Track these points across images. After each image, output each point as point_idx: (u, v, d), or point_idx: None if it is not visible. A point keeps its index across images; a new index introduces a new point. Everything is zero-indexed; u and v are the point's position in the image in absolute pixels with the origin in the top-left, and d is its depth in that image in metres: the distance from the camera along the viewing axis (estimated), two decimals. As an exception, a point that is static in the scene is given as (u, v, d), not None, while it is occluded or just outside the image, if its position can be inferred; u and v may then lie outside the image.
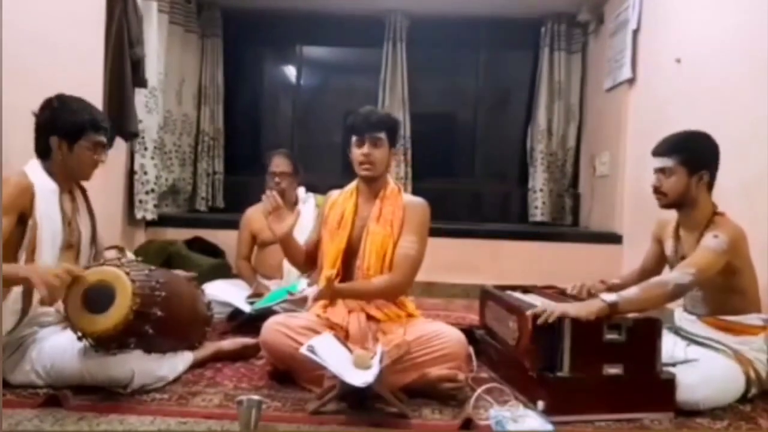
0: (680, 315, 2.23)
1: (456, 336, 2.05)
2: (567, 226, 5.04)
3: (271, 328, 2.09)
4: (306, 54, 5.53)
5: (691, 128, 2.19)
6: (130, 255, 2.35)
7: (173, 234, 4.13)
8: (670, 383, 1.89)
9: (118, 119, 3.33)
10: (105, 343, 1.88)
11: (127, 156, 3.95)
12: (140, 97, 3.77)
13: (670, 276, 2.00)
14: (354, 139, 2.21)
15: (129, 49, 3.37)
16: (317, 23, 5.19)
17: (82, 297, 1.83)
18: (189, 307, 2.18)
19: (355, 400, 1.86)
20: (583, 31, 5.05)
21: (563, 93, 5.03)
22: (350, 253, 2.20)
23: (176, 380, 2.06)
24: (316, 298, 2.05)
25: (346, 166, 2.41)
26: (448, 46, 5.40)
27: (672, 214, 2.22)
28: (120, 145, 3.65)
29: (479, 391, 1.92)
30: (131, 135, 3.64)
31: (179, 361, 2.11)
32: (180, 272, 2.35)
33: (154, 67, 3.95)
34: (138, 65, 3.51)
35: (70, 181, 2.11)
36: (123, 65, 3.35)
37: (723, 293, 2.08)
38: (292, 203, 3.19)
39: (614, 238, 4.18)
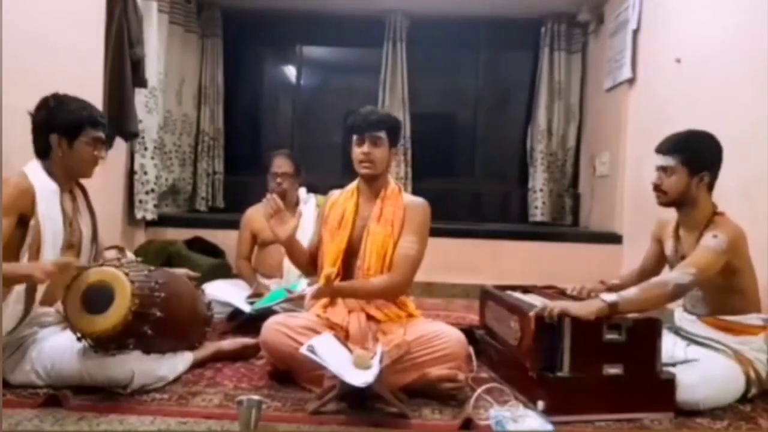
0: (680, 315, 2.22)
1: (456, 336, 2.05)
2: (567, 226, 5.04)
3: (271, 328, 2.09)
4: (306, 54, 5.53)
5: (692, 128, 2.18)
6: (130, 255, 2.36)
7: (173, 234, 4.12)
8: (670, 383, 1.89)
9: (118, 119, 3.34)
10: (104, 344, 1.89)
11: (127, 156, 3.95)
12: (140, 97, 3.77)
13: (670, 276, 2.00)
14: (354, 138, 2.22)
15: (129, 49, 3.38)
16: (317, 23, 5.19)
17: (82, 297, 1.84)
18: (189, 308, 2.18)
19: (355, 400, 1.86)
20: (583, 31, 5.05)
21: (563, 93, 5.03)
22: (351, 253, 2.20)
23: (176, 380, 2.06)
24: (315, 296, 2.05)
25: (346, 166, 2.41)
26: (448, 46, 5.39)
27: (672, 214, 2.22)
28: (120, 145, 3.66)
29: (479, 391, 1.92)
30: (131, 135, 3.64)
31: (179, 361, 2.11)
32: (183, 271, 2.35)
33: (154, 67, 3.95)
34: (138, 65, 3.51)
35: (71, 180, 2.11)
36: (123, 65, 3.35)
37: (723, 293, 2.08)
38: (294, 204, 3.18)
39: (614, 238, 4.18)
